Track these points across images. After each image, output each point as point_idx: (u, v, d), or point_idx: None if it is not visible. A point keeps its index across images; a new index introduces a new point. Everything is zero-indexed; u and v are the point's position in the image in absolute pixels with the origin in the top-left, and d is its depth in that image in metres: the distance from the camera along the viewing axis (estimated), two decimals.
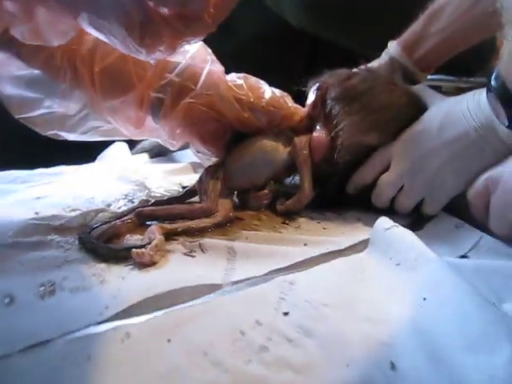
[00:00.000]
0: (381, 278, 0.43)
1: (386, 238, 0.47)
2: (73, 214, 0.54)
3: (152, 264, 0.44)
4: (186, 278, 0.41)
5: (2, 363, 0.32)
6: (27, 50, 0.49)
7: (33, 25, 0.39)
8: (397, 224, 0.47)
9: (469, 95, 0.52)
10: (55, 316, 0.37)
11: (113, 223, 0.50)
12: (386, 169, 0.56)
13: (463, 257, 0.48)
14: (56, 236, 0.49)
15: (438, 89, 0.95)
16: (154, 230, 0.47)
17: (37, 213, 0.54)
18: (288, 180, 0.64)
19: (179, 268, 0.44)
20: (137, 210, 0.52)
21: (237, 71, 0.57)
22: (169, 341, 0.34)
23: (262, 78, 0.58)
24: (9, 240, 0.48)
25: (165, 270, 0.43)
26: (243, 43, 0.83)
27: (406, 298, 0.40)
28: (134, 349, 0.34)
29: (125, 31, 0.36)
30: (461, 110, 0.52)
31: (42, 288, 0.41)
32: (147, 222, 0.52)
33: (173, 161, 0.77)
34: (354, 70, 0.62)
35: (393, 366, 0.32)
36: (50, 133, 0.55)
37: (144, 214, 0.52)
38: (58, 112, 0.54)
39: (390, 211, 0.56)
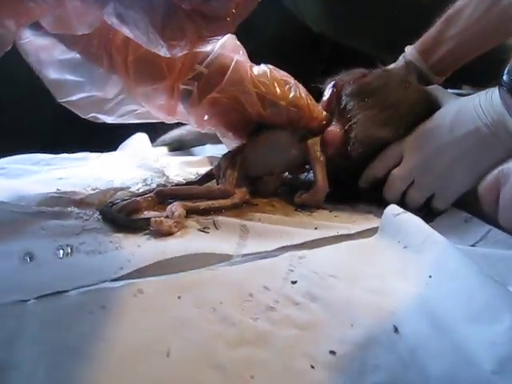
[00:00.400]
0: (388, 258, 0.44)
1: (395, 223, 0.48)
2: (93, 192, 0.57)
3: (169, 234, 0.46)
4: (198, 247, 0.43)
5: (18, 307, 0.34)
6: (69, 35, 0.52)
7: (61, 14, 0.42)
8: (406, 211, 0.48)
9: (482, 93, 0.53)
10: (71, 272, 0.39)
11: (133, 199, 0.52)
12: (398, 163, 0.57)
13: (471, 246, 0.48)
14: (76, 209, 0.51)
15: None
16: (176, 205, 0.49)
17: (59, 189, 0.56)
18: (304, 175, 0.65)
19: (193, 240, 0.45)
20: (157, 189, 0.54)
21: None
22: (179, 297, 0.36)
23: None
24: (32, 209, 0.50)
25: (179, 240, 0.45)
26: (262, 44, 0.85)
27: (412, 276, 0.40)
28: (145, 302, 0.35)
29: (148, 21, 0.37)
30: (473, 107, 0.53)
31: (61, 250, 0.43)
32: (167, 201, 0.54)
33: (191, 155, 0.79)
34: (371, 70, 0.63)
35: (396, 330, 0.33)
36: (89, 116, 0.57)
37: (164, 193, 0.54)
38: (96, 96, 0.57)
39: (401, 206, 0.57)
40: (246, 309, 0.35)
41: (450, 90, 0.89)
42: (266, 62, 0.61)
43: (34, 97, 0.69)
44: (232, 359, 0.30)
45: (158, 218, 0.46)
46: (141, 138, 0.75)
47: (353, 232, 0.50)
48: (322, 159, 0.58)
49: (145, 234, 0.46)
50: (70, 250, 0.43)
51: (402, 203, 0.57)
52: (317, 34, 0.86)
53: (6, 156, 0.69)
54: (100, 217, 0.50)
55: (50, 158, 0.70)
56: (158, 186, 0.60)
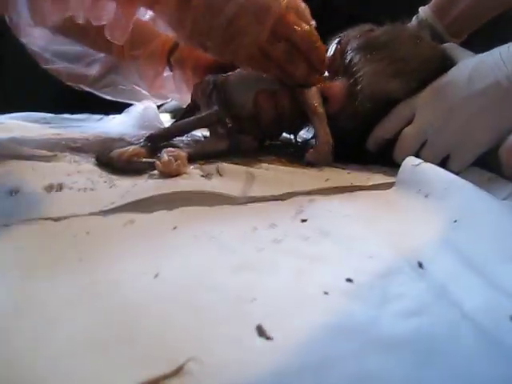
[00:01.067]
0: (408, 206, 0.40)
1: (415, 172, 0.43)
2: (91, 141, 0.53)
3: (177, 174, 0.43)
4: (200, 187, 0.39)
5: (2, 230, 0.30)
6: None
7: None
8: (425, 161, 0.44)
9: (503, 46, 0.49)
10: (59, 203, 0.35)
11: (129, 147, 0.48)
12: (410, 122, 0.52)
13: None
14: (71, 154, 0.48)
15: None
16: (172, 149, 0.46)
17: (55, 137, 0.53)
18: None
19: (194, 183, 0.42)
20: (148, 133, 0.51)
21: None
22: (174, 228, 0.32)
23: None
24: (26, 151, 0.46)
25: (179, 182, 0.41)
26: None
27: (436, 222, 0.36)
28: (135, 231, 0.32)
29: None
30: (493, 59, 0.48)
31: (50, 187, 0.39)
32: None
33: None
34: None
35: (420, 265, 0.29)
36: (71, 83, 0.55)
37: (156, 136, 0.51)
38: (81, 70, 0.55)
39: None
40: (249, 239, 0.31)
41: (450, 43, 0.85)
42: None
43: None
44: (231, 282, 0.26)
45: (166, 159, 0.43)
46: (146, 103, 0.72)
47: (368, 184, 0.45)
48: (321, 111, 0.54)
49: (143, 175, 0.42)
50: (59, 187, 0.39)
51: None
52: (331, 5, 0.82)
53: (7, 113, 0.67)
54: (97, 162, 0.46)
55: (51, 117, 0.67)
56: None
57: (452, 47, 0.56)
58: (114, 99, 0.65)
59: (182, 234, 0.31)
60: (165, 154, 0.47)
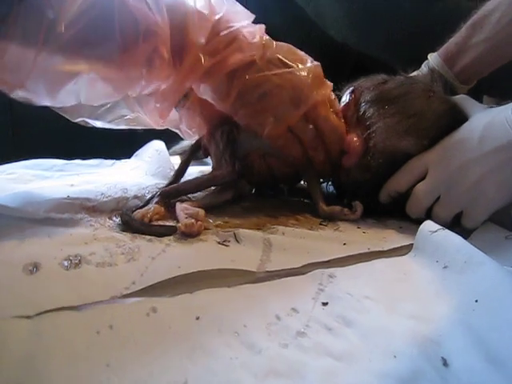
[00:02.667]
0: (427, 280, 0.40)
1: (432, 240, 0.43)
2: (105, 199, 0.53)
3: (198, 234, 0.45)
4: (218, 262, 0.39)
5: (21, 323, 0.30)
6: None
7: None
8: (443, 227, 0.44)
9: None
10: (78, 286, 0.35)
11: (149, 206, 0.50)
12: (423, 177, 0.52)
13: None
14: (87, 216, 0.48)
15: None
16: (190, 205, 0.49)
17: (69, 196, 0.53)
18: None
19: (212, 254, 0.42)
20: (161, 190, 0.53)
21: None
22: (197, 318, 0.32)
23: None
24: (40, 215, 0.46)
25: (197, 255, 0.41)
26: None
27: (456, 300, 0.36)
28: (159, 322, 0.31)
29: None
30: (505, 119, 0.48)
31: (68, 260, 0.39)
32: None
33: (204, 164, 0.76)
34: (392, 76, 0.59)
35: (445, 362, 0.29)
36: (78, 120, 0.56)
37: (169, 193, 0.53)
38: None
39: None
40: (273, 333, 0.31)
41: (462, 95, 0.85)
42: None
43: None
44: None
45: (188, 221, 0.45)
46: (157, 145, 0.72)
47: (385, 249, 0.45)
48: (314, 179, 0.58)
49: (160, 244, 0.42)
50: (78, 261, 0.39)
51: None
52: (340, 44, 0.83)
53: (19, 161, 0.67)
54: (116, 224, 0.47)
55: (63, 164, 0.68)
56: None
57: (464, 99, 0.56)
58: (122, 128, 0.63)
59: (207, 328, 0.31)
60: (181, 213, 0.48)
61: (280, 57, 0.52)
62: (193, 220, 0.46)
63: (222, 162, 0.55)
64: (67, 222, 0.46)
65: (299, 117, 0.52)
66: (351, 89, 0.59)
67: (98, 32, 0.44)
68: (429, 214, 0.53)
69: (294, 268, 0.40)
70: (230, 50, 0.49)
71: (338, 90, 0.61)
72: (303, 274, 0.39)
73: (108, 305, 0.33)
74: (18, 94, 0.45)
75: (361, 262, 0.42)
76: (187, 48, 0.48)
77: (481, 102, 0.93)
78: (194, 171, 0.70)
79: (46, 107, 0.58)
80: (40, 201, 0.50)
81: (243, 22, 0.51)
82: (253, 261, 0.41)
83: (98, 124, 0.57)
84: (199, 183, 0.55)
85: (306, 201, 0.60)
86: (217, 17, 0.50)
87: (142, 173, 0.66)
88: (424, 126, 0.53)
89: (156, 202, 0.51)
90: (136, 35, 0.45)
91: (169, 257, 0.40)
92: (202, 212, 0.48)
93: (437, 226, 0.45)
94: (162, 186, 0.59)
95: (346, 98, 0.59)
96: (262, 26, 0.53)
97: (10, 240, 0.42)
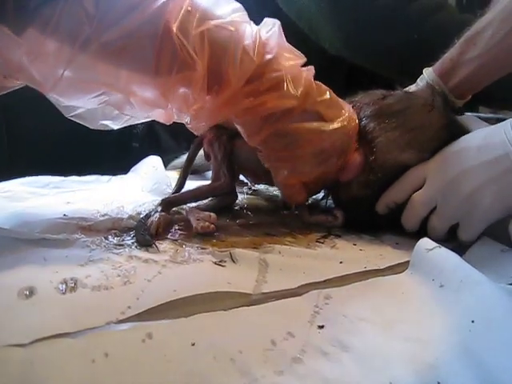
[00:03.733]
0: (423, 299, 0.39)
1: (429, 258, 0.43)
2: (101, 218, 0.53)
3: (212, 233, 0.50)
4: (214, 284, 0.39)
5: (14, 352, 0.30)
6: None
7: None
8: (440, 245, 0.44)
9: None
10: (74, 311, 0.35)
11: (156, 216, 0.52)
12: (420, 187, 0.53)
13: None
14: (82, 236, 0.48)
15: None
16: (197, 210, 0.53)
17: (65, 215, 0.53)
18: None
19: (208, 275, 0.42)
20: (163, 199, 0.55)
21: None
22: (193, 344, 0.32)
23: None
24: (36, 236, 0.46)
25: (192, 276, 0.41)
26: None
27: (452, 320, 0.36)
28: (155, 349, 0.31)
29: None
30: (503, 131, 0.48)
31: (63, 283, 0.39)
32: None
33: (205, 178, 0.76)
34: (390, 92, 0.59)
35: None
36: (98, 125, 0.55)
37: (171, 202, 0.55)
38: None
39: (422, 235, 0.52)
40: (268, 360, 0.30)
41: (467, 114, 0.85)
42: None
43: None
44: None
45: (203, 223, 0.50)
46: (154, 161, 0.72)
47: (382, 267, 0.45)
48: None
49: (156, 265, 0.42)
50: (73, 284, 0.39)
51: (424, 232, 0.53)
52: (333, 57, 0.83)
53: (15, 178, 0.67)
54: (112, 244, 0.47)
55: (59, 181, 0.67)
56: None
57: (469, 119, 0.57)
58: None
59: (202, 355, 0.31)
60: (193, 216, 0.52)
61: (319, 110, 0.52)
62: (207, 222, 0.50)
63: (221, 174, 0.57)
64: (63, 242, 0.46)
65: (316, 174, 0.54)
66: (351, 105, 0.59)
67: (136, 52, 0.44)
68: (424, 226, 0.53)
69: (289, 289, 0.40)
70: (271, 96, 0.49)
71: None
72: (299, 294, 0.39)
73: (103, 331, 0.33)
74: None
75: (357, 281, 0.42)
76: (224, 86, 0.48)
77: (477, 112, 0.94)
78: (191, 185, 0.70)
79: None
80: (35, 221, 0.50)
81: (292, 64, 0.51)
82: (249, 282, 0.41)
83: (117, 125, 0.56)
84: (199, 193, 0.57)
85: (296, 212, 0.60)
86: (266, 57, 0.49)
87: (138, 189, 0.66)
88: (424, 139, 0.54)
89: (161, 211, 0.53)
90: (171, 65, 0.45)
91: (165, 279, 0.40)
92: (213, 215, 0.52)
93: (433, 244, 0.45)
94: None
95: None
96: (311, 70, 0.53)
97: (5, 262, 0.42)
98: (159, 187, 0.65)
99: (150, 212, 0.53)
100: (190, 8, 0.45)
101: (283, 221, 0.57)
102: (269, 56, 0.49)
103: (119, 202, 0.59)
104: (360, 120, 0.56)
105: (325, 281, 0.42)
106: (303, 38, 0.83)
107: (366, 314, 0.36)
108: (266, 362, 0.30)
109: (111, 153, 0.59)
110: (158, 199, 0.61)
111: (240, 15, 0.49)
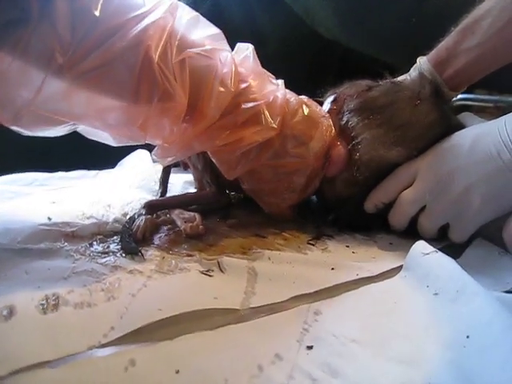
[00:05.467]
0: (416, 310, 0.38)
1: (424, 263, 0.42)
2: (87, 221, 0.52)
3: (201, 235, 0.49)
4: (200, 300, 0.38)
5: None
6: None
7: None
8: (437, 250, 0.43)
9: (509, 115, 0.47)
10: (55, 334, 0.34)
11: (141, 219, 0.50)
12: (410, 185, 0.51)
13: (509, 292, 0.42)
14: (66, 244, 0.47)
15: (468, 109, 0.89)
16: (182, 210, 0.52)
17: (49, 218, 0.51)
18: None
19: (194, 288, 0.40)
20: (147, 202, 0.53)
21: None
22: (177, 372, 0.31)
23: (289, 88, 0.54)
24: (17, 246, 0.45)
25: (179, 290, 0.40)
26: (272, 51, 0.80)
27: (446, 335, 0.35)
28: (137, 379, 0.30)
29: None
30: (497, 129, 0.46)
31: (45, 301, 0.38)
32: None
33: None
34: (377, 82, 0.57)
35: None
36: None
37: (154, 205, 0.53)
38: None
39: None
40: None
41: (461, 95, 0.83)
42: (276, 69, 0.55)
43: None
44: None
45: (191, 224, 0.49)
46: (141, 155, 0.70)
47: (374, 274, 0.44)
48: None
49: (141, 277, 0.41)
50: (56, 301, 0.38)
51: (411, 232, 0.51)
52: (328, 41, 0.80)
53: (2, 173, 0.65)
54: (96, 252, 0.45)
55: (45, 178, 0.66)
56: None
57: (466, 116, 0.54)
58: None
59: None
60: (178, 218, 0.51)
61: (296, 133, 0.51)
62: (196, 223, 0.49)
63: (204, 183, 0.54)
64: (45, 252, 0.45)
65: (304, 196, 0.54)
66: (333, 96, 0.57)
67: (114, 79, 0.41)
68: (412, 226, 0.52)
69: (278, 302, 0.39)
70: (249, 130, 0.47)
71: (321, 94, 0.59)
72: (288, 308, 0.38)
73: (85, 359, 0.31)
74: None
75: (348, 290, 0.41)
76: (200, 117, 0.46)
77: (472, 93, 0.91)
78: (179, 179, 0.69)
79: None
80: (17, 227, 0.48)
81: (269, 92, 0.50)
82: (237, 295, 0.39)
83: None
84: (184, 201, 0.55)
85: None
86: (242, 86, 0.47)
87: (125, 186, 0.64)
88: (412, 137, 0.51)
89: (146, 214, 0.52)
90: (151, 94, 0.42)
91: (150, 293, 0.39)
92: (197, 215, 0.51)
93: (430, 248, 0.43)
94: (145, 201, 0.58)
95: (327, 105, 0.57)
96: (282, 89, 0.52)
97: None
98: (147, 184, 0.64)
99: (134, 215, 0.51)
100: (170, 33, 0.42)
101: (274, 220, 0.56)
102: (244, 85, 0.48)
103: (106, 201, 0.58)
104: (343, 114, 0.54)
105: (315, 292, 0.40)
106: (298, 23, 0.80)
107: (356, 333, 0.35)
108: None
109: (99, 146, 0.57)
110: (146, 197, 0.60)
111: (219, 42, 0.47)
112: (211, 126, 0.46)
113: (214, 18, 0.82)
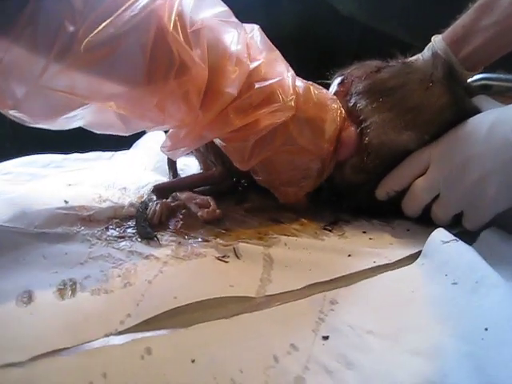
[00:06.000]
0: (434, 300, 0.38)
1: (444, 251, 0.41)
2: (103, 205, 0.52)
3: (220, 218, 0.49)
4: (216, 288, 0.38)
5: (12, 371, 0.30)
6: None
7: None
8: (457, 238, 0.42)
9: None
10: (72, 321, 0.34)
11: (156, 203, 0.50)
12: (423, 173, 0.49)
13: None
14: (82, 228, 0.47)
15: (487, 89, 0.85)
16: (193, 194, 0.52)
17: (66, 201, 0.52)
18: None
19: (210, 275, 0.40)
20: (154, 186, 0.53)
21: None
22: (193, 361, 0.31)
23: (305, 68, 0.53)
24: (35, 230, 0.45)
25: (194, 277, 0.40)
26: (288, 27, 0.77)
27: (464, 327, 0.34)
28: (154, 367, 0.30)
29: None
30: None
31: (63, 286, 0.38)
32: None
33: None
34: (388, 62, 0.54)
35: None
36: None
37: (162, 188, 0.54)
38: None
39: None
40: (270, 380, 0.30)
41: (481, 75, 0.79)
42: (292, 46, 0.54)
43: None
44: None
45: (208, 210, 0.49)
46: (157, 137, 0.69)
47: (391, 261, 0.43)
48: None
49: (157, 263, 0.41)
50: (73, 287, 0.38)
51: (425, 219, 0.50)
52: (346, 20, 0.77)
53: (16, 157, 0.65)
54: (113, 236, 0.46)
55: (61, 160, 0.66)
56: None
57: (481, 99, 0.52)
58: None
59: (202, 374, 0.30)
60: (191, 203, 0.51)
61: (309, 116, 0.49)
62: (212, 207, 0.49)
63: (209, 164, 0.54)
64: (62, 236, 0.45)
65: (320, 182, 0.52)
66: (341, 78, 0.54)
67: (125, 58, 0.39)
68: (426, 213, 0.50)
69: (294, 290, 0.38)
70: (264, 112, 0.45)
71: (330, 76, 0.57)
72: (304, 296, 0.38)
73: (102, 347, 0.32)
74: (9, 112, 0.40)
75: (365, 278, 0.41)
76: (215, 98, 0.43)
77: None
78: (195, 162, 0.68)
79: None
80: (35, 211, 0.49)
81: (280, 72, 0.47)
82: (252, 282, 0.39)
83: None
84: (192, 182, 0.55)
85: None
86: (254, 65, 0.45)
87: (141, 168, 0.64)
88: (424, 121, 0.49)
89: (158, 198, 0.52)
90: (167, 70, 0.40)
91: (165, 280, 0.39)
92: (211, 199, 0.51)
93: (450, 236, 0.42)
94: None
95: (334, 87, 0.54)
96: (293, 74, 0.49)
97: (5, 262, 0.41)
98: (162, 165, 0.63)
99: (146, 200, 0.51)
100: (179, 8, 0.40)
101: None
102: (255, 63, 0.46)
103: (121, 184, 0.58)
104: (351, 96, 0.52)
105: (331, 280, 0.40)
106: (313, 4, 0.78)
107: (372, 324, 0.34)
108: (268, 382, 0.29)
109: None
110: (161, 180, 0.59)
111: (229, 19, 0.45)
112: (224, 109, 0.44)
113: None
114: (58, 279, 0.39)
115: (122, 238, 0.46)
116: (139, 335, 0.33)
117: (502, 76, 0.88)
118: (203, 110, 0.43)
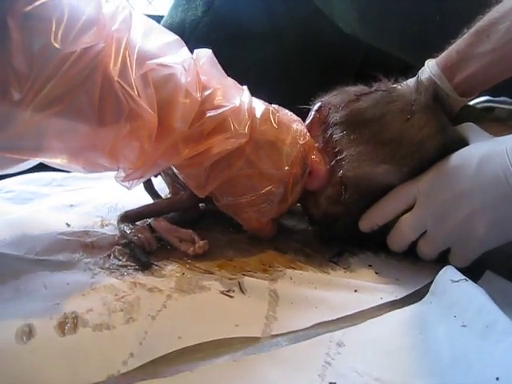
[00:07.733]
0: (442, 343, 0.37)
1: (452, 291, 0.41)
2: (106, 229, 0.51)
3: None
4: (221, 327, 0.37)
5: None
6: None
7: None
8: (466, 278, 0.41)
9: None
10: (74, 360, 0.33)
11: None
12: (410, 207, 0.48)
13: None
14: (84, 255, 0.46)
15: (490, 112, 0.85)
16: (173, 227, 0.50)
17: (68, 224, 0.51)
18: None
19: (215, 312, 0.39)
20: (123, 213, 0.52)
21: (282, 79, 0.51)
22: None
23: (307, 89, 0.52)
24: (35, 257, 0.45)
25: (199, 314, 0.39)
26: (290, 44, 0.76)
27: (475, 375, 0.34)
28: None
29: None
30: (505, 150, 0.43)
31: (64, 320, 0.37)
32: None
33: None
34: (369, 88, 0.52)
35: None
36: None
37: (130, 216, 0.51)
38: None
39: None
40: None
41: (483, 98, 0.78)
42: (294, 63, 0.53)
43: None
44: None
45: (194, 247, 0.47)
46: None
47: (398, 298, 0.43)
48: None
49: (161, 295, 0.41)
50: (74, 322, 0.37)
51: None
52: (348, 38, 0.77)
53: (18, 175, 0.64)
54: (115, 265, 0.45)
55: (63, 178, 0.65)
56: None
57: (468, 127, 0.50)
58: None
59: None
60: (171, 236, 0.49)
61: (268, 138, 0.48)
62: (203, 241, 0.47)
63: (177, 187, 0.53)
64: (64, 264, 0.44)
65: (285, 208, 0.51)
66: (318, 105, 0.53)
67: (75, 112, 0.39)
68: (412, 248, 0.49)
69: (300, 329, 0.38)
70: (216, 139, 0.45)
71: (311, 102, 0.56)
72: (310, 337, 0.37)
73: None
74: None
75: (372, 317, 0.40)
76: (166, 132, 0.43)
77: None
78: None
79: None
80: (35, 236, 0.48)
81: (233, 98, 0.47)
82: (258, 320, 0.38)
83: None
84: (160, 209, 0.53)
85: (309, 228, 0.56)
86: (206, 93, 0.45)
87: (142, 188, 0.63)
88: (403, 154, 0.48)
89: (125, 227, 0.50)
90: (118, 117, 0.40)
91: (169, 317, 0.38)
92: (192, 232, 0.49)
93: (459, 276, 0.42)
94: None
95: (311, 113, 0.53)
96: (250, 99, 0.48)
97: (6, 291, 0.40)
98: (164, 186, 0.62)
99: (123, 231, 0.49)
100: (127, 46, 0.40)
101: (293, 233, 0.55)
102: (207, 92, 0.45)
103: (124, 205, 0.57)
104: (327, 125, 0.50)
105: (338, 319, 0.39)
106: (317, 15, 0.77)
107: (379, 371, 0.34)
108: None
109: None
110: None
111: (178, 49, 0.45)
112: (176, 140, 0.44)
113: (229, 8, 0.79)
114: (59, 312, 0.38)
115: (125, 266, 0.45)
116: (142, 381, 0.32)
117: (506, 99, 0.87)
118: (154, 145, 0.43)
